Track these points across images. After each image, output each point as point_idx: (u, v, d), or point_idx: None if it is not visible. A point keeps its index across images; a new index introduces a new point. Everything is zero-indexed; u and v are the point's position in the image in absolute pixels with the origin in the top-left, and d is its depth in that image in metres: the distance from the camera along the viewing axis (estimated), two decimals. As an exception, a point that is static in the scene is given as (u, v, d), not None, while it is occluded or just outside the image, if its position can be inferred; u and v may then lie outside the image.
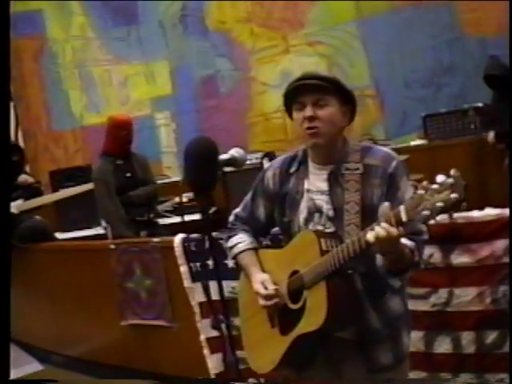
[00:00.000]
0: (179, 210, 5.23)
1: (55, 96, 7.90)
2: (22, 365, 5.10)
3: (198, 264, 3.83)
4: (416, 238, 1.99)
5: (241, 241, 2.35)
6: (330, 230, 2.11)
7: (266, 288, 2.17)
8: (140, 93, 7.83)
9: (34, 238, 5.09)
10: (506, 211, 2.89)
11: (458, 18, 6.40)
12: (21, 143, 7.12)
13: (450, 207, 1.66)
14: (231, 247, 2.36)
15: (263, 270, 2.27)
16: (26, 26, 7.76)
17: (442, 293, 3.04)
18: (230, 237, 2.38)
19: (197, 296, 3.86)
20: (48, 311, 5.10)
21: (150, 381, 3.98)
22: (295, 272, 2.12)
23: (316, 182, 2.16)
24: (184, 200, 5.28)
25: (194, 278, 3.86)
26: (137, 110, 7.25)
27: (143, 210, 4.91)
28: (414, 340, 2.91)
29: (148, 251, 4.14)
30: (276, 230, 2.38)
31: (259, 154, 5.46)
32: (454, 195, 1.65)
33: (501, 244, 2.88)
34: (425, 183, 1.71)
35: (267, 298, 2.17)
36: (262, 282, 2.20)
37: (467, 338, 3.01)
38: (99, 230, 5.35)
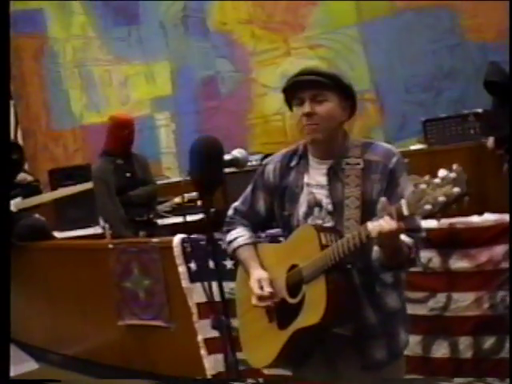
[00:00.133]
0: (180, 210, 5.22)
1: (55, 95, 7.89)
2: (19, 363, 5.09)
3: (196, 264, 3.83)
4: (414, 235, 2.00)
5: (240, 235, 2.34)
6: (330, 224, 2.11)
7: (261, 288, 2.16)
8: (140, 93, 7.84)
9: (32, 236, 5.09)
10: (505, 217, 2.89)
11: (459, 24, 6.41)
12: (20, 142, 7.11)
13: (452, 201, 1.66)
14: (230, 241, 2.35)
15: (262, 265, 2.26)
16: (26, 24, 7.76)
17: (440, 297, 3.04)
18: (228, 231, 2.37)
19: (195, 296, 3.86)
20: (45, 310, 5.10)
21: (149, 381, 3.97)
22: (294, 266, 2.11)
23: (316, 176, 2.17)
24: (184, 200, 5.30)
25: (193, 278, 3.86)
26: (137, 111, 7.24)
27: (142, 211, 4.90)
28: (412, 344, 2.90)
29: (147, 251, 4.15)
30: (275, 231, 2.38)
31: (259, 156, 5.46)
32: (456, 189, 1.65)
33: (500, 249, 2.88)
34: (427, 177, 1.71)
35: (260, 299, 2.16)
36: (258, 280, 2.19)
37: (465, 342, 3.01)
38: (97, 230, 5.34)
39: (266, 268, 2.24)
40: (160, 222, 5.20)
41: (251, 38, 7.42)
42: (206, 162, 2.16)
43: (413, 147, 6.19)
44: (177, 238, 3.92)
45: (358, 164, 2.09)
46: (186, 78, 7.64)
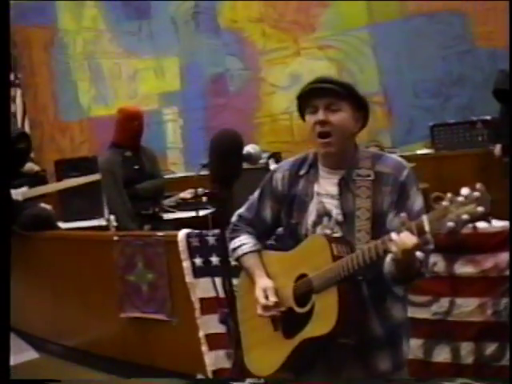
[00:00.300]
0: (186, 205, 5.23)
1: (63, 86, 7.93)
2: (19, 352, 5.10)
3: (200, 260, 3.84)
4: (425, 249, 1.98)
5: (244, 242, 2.33)
6: (338, 234, 2.10)
7: (266, 297, 2.16)
8: (148, 87, 7.86)
9: (36, 225, 5.10)
10: (512, 224, 2.90)
11: (470, 30, 6.41)
12: (27, 131, 7.12)
13: (475, 220, 1.67)
14: (234, 249, 2.33)
15: (267, 273, 2.25)
16: (37, 15, 7.80)
17: (444, 302, 3.04)
18: (232, 238, 2.35)
19: (198, 292, 3.86)
20: (47, 299, 5.11)
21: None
22: (302, 275, 2.10)
23: (326, 186, 2.16)
24: (188, 196, 5.31)
25: (196, 273, 3.87)
26: (144, 105, 7.24)
27: (148, 204, 4.91)
28: (413, 347, 2.91)
29: (151, 245, 4.15)
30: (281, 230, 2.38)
31: (265, 154, 5.45)
32: (480, 209, 1.65)
33: (505, 256, 2.88)
34: (450, 195, 1.70)
35: (265, 308, 2.15)
36: (264, 289, 2.18)
37: (466, 348, 3.01)
38: (101, 222, 5.34)
39: (271, 276, 2.24)
40: (165, 216, 5.21)
41: (261, 37, 7.42)
42: (226, 155, 2.14)
43: (419, 152, 6.19)
44: (182, 233, 3.93)
45: (369, 176, 2.09)
46: (195, 74, 7.65)
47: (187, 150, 7.71)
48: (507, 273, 2.88)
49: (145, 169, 4.96)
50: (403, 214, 1.86)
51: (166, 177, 5.68)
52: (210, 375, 3.90)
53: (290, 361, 2.14)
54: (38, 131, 7.73)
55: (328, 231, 2.12)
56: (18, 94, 7.57)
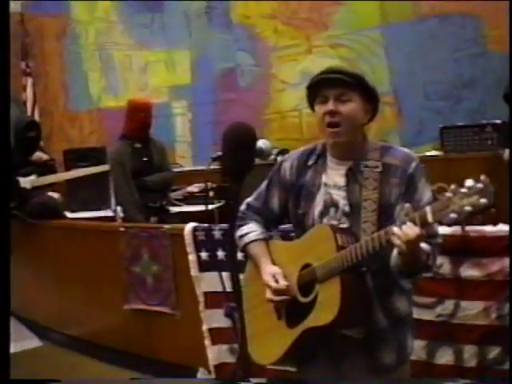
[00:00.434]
0: (193, 198, 5.25)
1: (74, 76, 7.96)
2: (21, 340, 5.12)
3: (206, 254, 3.85)
4: (432, 242, 2.00)
5: (251, 230, 2.33)
6: (345, 225, 2.11)
7: (277, 282, 2.16)
8: (159, 80, 7.87)
9: (44, 214, 5.12)
10: (520, 228, 2.90)
11: (483, 34, 6.38)
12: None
13: (478, 212, 1.67)
14: (241, 236, 2.34)
15: (273, 262, 2.25)
16: (51, 4, 7.82)
17: (448, 304, 3.04)
18: (240, 226, 2.36)
19: (203, 285, 3.87)
20: (52, 288, 5.13)
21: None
22: (307, 265, 2.11)
23: (334, 177, 2.16)
24: (195, 190, 5.32)
25: (202, 267, 3.88)
26: (154, 97, 7.23)
27: (156, 197, 4.93)
28: (417, 348, 2.90)
29: (157, 237, 4.16)
30: (287, 226, 2.38)
31: (274, 151, 5.45)
32: (483, 200, 1.65)
33: None
34: (453, 186, 1.71)
35: (276, 292, 2.15)
36: (273, 274, 2.18)
37: (469, 351, 3.01)
38: (108, 213, 5.36)
39: (276, 265, 2.24)
40: (172, 209, 5.22)
41: (273, 33, 7.40)
42: (239, 147, 2.13)
43: (428, 153, 6.17)
44: (189, 226, 3.93)
45: (377, 167, 2.09)
46: (206, 68, 7.64)
47: (195, 144, 7.72)
48: (513, 277, 2.88)
49: (153, 161, 4.98)
50: (407, 205, 1.86)
51: (173, 170, 5.70)
52: (212, 369, 3.91)
53: (292, 350, 2.15)
54: (48, 120, 7.76)
55: (335, 222, 2.12)
56: (28, 82, 7.60)
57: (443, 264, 3.00)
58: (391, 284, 2.10)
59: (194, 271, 3.90)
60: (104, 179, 5.26)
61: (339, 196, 2.14)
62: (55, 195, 5.42)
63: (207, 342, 3.92)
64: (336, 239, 2.01)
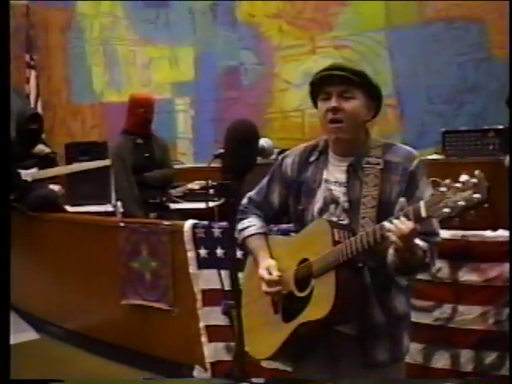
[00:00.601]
0: (193, 196, 5.24)
1: (78, 70, 7.96)
2: (19, 332, 5.12)
3: (205, 251, 3.85)
4: (429, 240, 2.00)
5: (251, 224, 2.34)
6: (345, 222, 2.11)
7: (270, 274, 2.16)
8: (162, 76, 7.87)
9: (44, 207, 5.12)
10: (519, 234, 2.89)
11: (488, 39, 6.37)
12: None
13: (471, 207, 1.67)
14: (241, 229, 2.34)
15: (272, 256, 2.26)
16: (56, -3, 7.83)
17: (446, 308, 3.03)
18: (241, 219, 2.36)
19: (201, 283, 3.87)
20: (50, 281, 5.13)
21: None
22: (304, 260, 2.11)
23: (335, 173, 2.17)
24: (196, 187, 5.32)
25: (200, 264, 3.88)
26: (157, 94, 7.23)
27: (156, 193, 4.93)
28: (413, 352, 2.91)
29: (157, 233, 4.17)
30: (286, 226, 2.38)
31: (276, 150, 5.44)
32: (476, 195, 1.66)
33: (511, 266, 2.89)
34: (447, 181, 1.71)
35: (269, 283, 2.15)
36: (267, 267, 2.18)
37: (466, 356, 3.00)
38: (108, 208, 5.36)
39: (275, 259, 2.24)
40: (171, 206, 5.22)
41: (278, 33, 7.39)
42: (242, 144, 2.12)
43: (430, 157, 6.16)
44: (188, 223, 3.93)
45: (378, 164, 2.09)
46: (209, 65, 7.64)
47: (197, 141, 7.72)
48: (512, 283, 2.88)
49: (155, 157, 4.98)
50: (402, 199, 1.87)
51: (174, 167, 5.69)
52: (208, 367, 3.91)
53: (287, 345, 2.15)
54: (50, 113, 7.76)
55: (334, 218, 2.12)
56: (32, 75, 7.59)
57: (442, 268, 3.00)
58: (390, 282, 2.10)
59: (192, 268, 3.90)
60: (105, 174, 5.26)
61: (339, 192, 2.14)
62: (56, 188, 5.41)
63: (204, 339, 3.91)
64: (333, 234, 2.01)
